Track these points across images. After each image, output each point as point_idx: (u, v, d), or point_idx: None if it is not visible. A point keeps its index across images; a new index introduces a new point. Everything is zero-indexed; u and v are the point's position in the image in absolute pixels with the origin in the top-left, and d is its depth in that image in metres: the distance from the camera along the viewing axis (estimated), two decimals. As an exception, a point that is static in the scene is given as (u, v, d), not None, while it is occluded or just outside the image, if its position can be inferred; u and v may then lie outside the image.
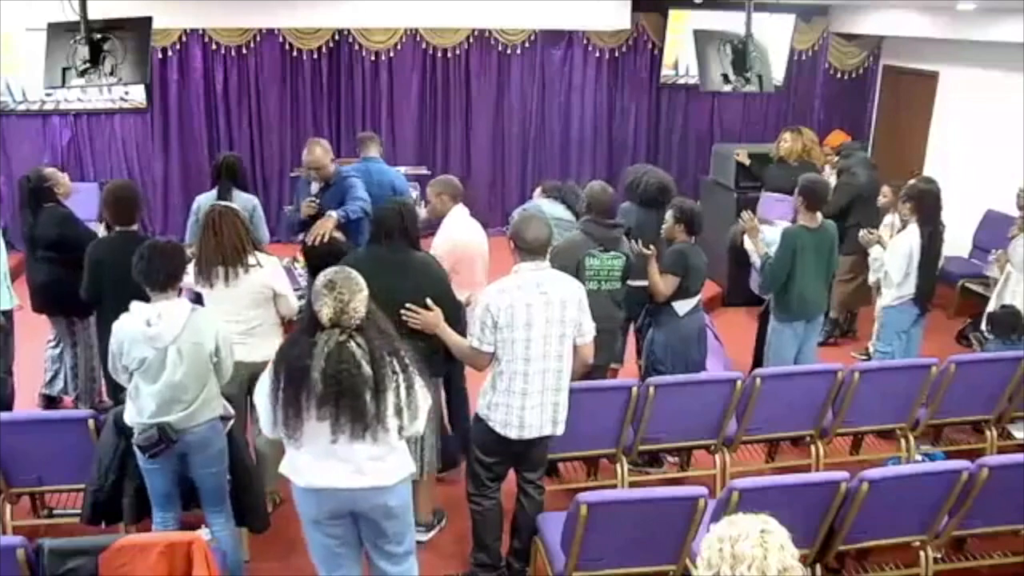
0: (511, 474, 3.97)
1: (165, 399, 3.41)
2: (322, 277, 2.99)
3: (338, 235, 5.04)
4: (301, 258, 6.90)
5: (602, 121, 9.75)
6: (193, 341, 3.43)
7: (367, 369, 2.93)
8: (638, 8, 9.08)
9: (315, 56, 9.03)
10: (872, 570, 4.06)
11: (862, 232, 5.77)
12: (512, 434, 3.69)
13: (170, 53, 8.70)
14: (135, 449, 3.50)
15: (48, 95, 8.36)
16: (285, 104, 9.11)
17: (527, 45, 9.39)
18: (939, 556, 4.07)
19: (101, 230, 5.16)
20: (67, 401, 5.44)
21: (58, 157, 8.60)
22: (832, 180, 6.86)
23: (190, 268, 4.05)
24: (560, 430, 3.80)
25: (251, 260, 4.10)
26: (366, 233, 5.32)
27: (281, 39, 8.91)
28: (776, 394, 4.54)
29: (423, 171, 8.62)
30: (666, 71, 9.56)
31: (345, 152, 8.50)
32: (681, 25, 8.95)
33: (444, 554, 4.28)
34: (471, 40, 9.26)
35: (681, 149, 9.98)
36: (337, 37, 9.01)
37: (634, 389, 4.32)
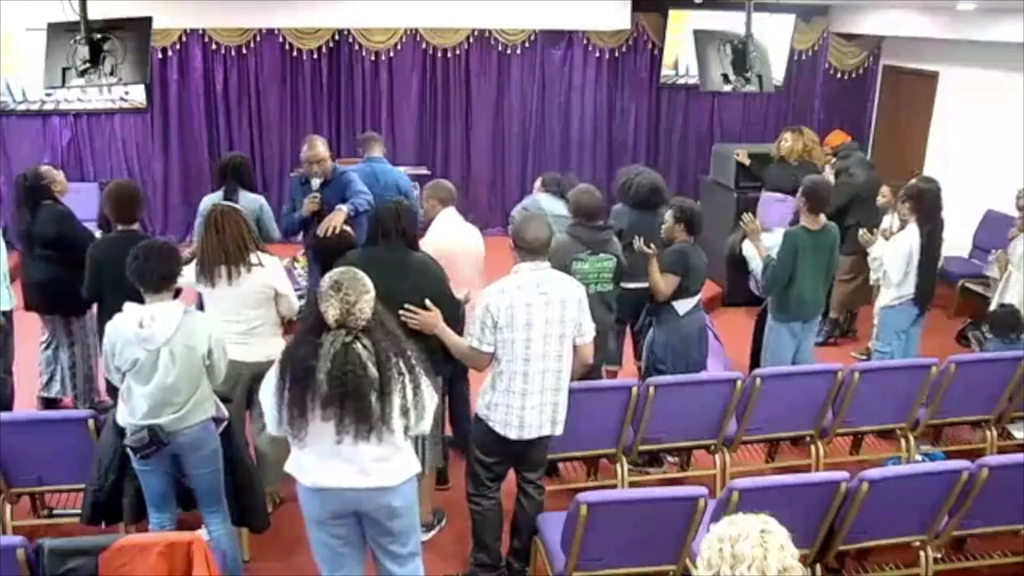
0: (511, 474, 3.97)
1: (157, 401, 3.40)
2: (328, 278, 2.98)
3: (347, 228, 5.07)
4: (301, 258, 6.93)
5: (602, 121, 9.75)
6: (186, 343, 3.41)
7: (373, 371, 2.92)
8: (638, 8, 9.08)
9: (315, 56, 9.03)
10: (872, 570, 4.06)
11: (861, 231, 5.77)
12: (512, 434, 3.69)
13: (170, 53, 8.70)
14: (127, 450, 3.50)
15: (48, 95, 8.35)
16: (285, 104, 9.11)
17: (527, 45, 9.39)
18: (939, 556, 4.07)
19: (97, 232, 5.17)
20: (67, 401, 5.44)
21: (58, 157, 8.60)
22: (830, 181, 6.86)
23: (190, 267, 4.05)
24: (559, 430, 3.80)
25: (253, 259, 4.10)
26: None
27: (281, 39, 8.91)
28: (776, 394, 4.54)
29: (423, 171, 8.61)
30: (666, 71, 9.55)
31: (345, 152, 8.51)
32: (681, 25, 8.95)
33: (444, 554, 4.28)
34: (471, 40, 9.26)
35: (681, 149, 9.98)
36: (337, 37, 9.01)
37: (634, 389, 4.32)
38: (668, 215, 4.89)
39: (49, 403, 5.43)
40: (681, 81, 9.61)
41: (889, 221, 6.03)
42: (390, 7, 8.45)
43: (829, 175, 6.93)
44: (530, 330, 3.57)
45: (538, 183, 6.02)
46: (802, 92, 9.97)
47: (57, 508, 4.38)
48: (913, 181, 5.61)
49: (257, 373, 4.21)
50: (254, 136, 9.12)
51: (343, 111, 9.23)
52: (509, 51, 9.36)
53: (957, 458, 4.14)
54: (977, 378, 4.87)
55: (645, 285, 5.27)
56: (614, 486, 4.45)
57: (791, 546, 1.85)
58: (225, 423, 3.67)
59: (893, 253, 5.39)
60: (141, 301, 3.45)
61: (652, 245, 4.85)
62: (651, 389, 4.33)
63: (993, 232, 7.29)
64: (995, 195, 7.50)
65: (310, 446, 3.02)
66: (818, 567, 3.80)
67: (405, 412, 3.01)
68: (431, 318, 3.75)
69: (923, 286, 5.40)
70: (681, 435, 4.60)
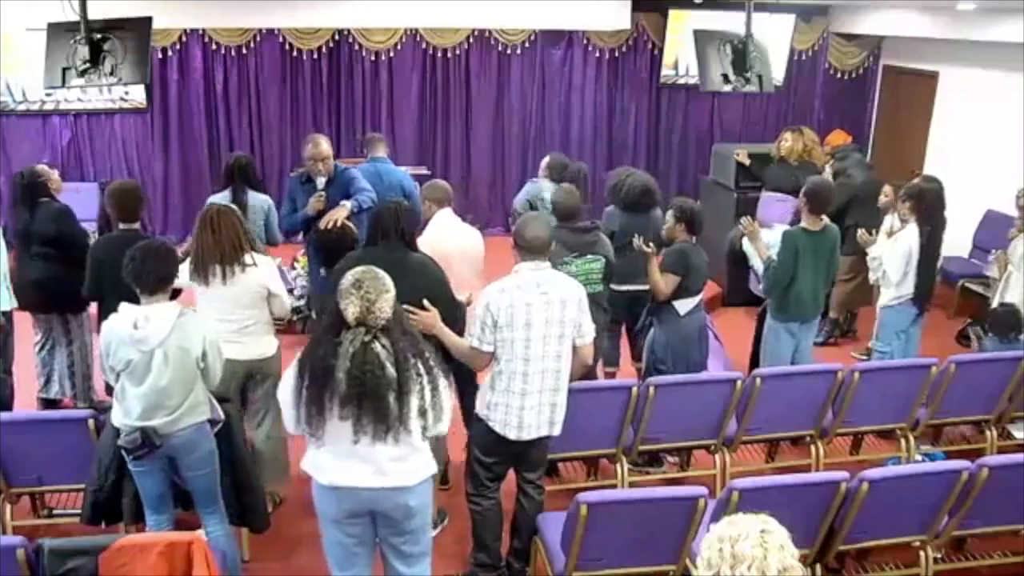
0: (511, 474, 3.97)
1: (151, 403, 3.39)
2: (350, 276, 2.98)
3: (348, 223, 5.09)
4: (302, 258, 6.93)
5: (602, 121, 9.75)
6: (180, 345, 3.40)
7: (391, 371, 2.93)
8: (638, 8, 9.08)
9: (315, 56, 9.03)
10: (872, 570, 4.06)
11: (860, 231, 5.77)
12: (511, 434, 3.69)
13: (170, 53, 8.71)
14: (121, 451, 3.50)
15: (48, 95, 8.36)
16: (285, 104, 9.12)
17: (527, 45, 9.39)
18: (939, 556, 4.07)
19: (93, 232, 5.16)
20: (67, 402, 5.44)
21: (58, 157, 8.61)
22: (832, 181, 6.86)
23: (183, 266, 4.05)
24: (557, 431, 3.80)
25: (247, 259, 4.09)
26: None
27: (281, 39, 8.92)
28: (776, 394, 4.54)
29: (423, 171, 8.61)
30: (666, 71, 9.56)
31: (345, 152, 8.51)
32: (681, 25, 8.95)
33: (444, 554, 4.28)
34: (471, 40, 9.26)
35: (681, 149, 9.98)
36: (337, 37, 9.01)
37: (634, 389, 4.32)
38: (669, 215, 4.89)
39: (49, 404, 5.42)
40: (681, 81, 9.61)
41: (890, 221, 6.03)
42: (390, 7, 8.45)
43: (827, 176, 6.93)
44: (530, 330, 3.57)
45: (544, 163, 5.99)
46: (802, 92, 9.97)
47: (57, 508, 4.38)
48: (915, 181, 5.61)
49: (250, 371, 4.23)
50: (254, 136, 9.12)
51: (343, 111, 9.24)
52: (509, 51, 9.36)
53: (957, 458, 4.14)
54: (977, 378, 4.86)
55: (639, 287, 5.29)
56: (614, 486, 4.45)
57: (791, 546, 1.85)
58: (221, 424, 3.66)
59: (892, 253, 5.39)
60: (139, 301, 3.45)
61: (652, 245, 4.85)
62: (651, 389, 4.32)
63: (993, 232, 7.29)
64: (995, 195, 7.50)
65: (328, 445, 3.02)
66: (818, 567, 3.80)
67: (423, 413, 3.01)
68: (429, 318, 3.75)
69: (922, 286, 5.40)
70: (681, 435, 4.60)
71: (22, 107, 8.52)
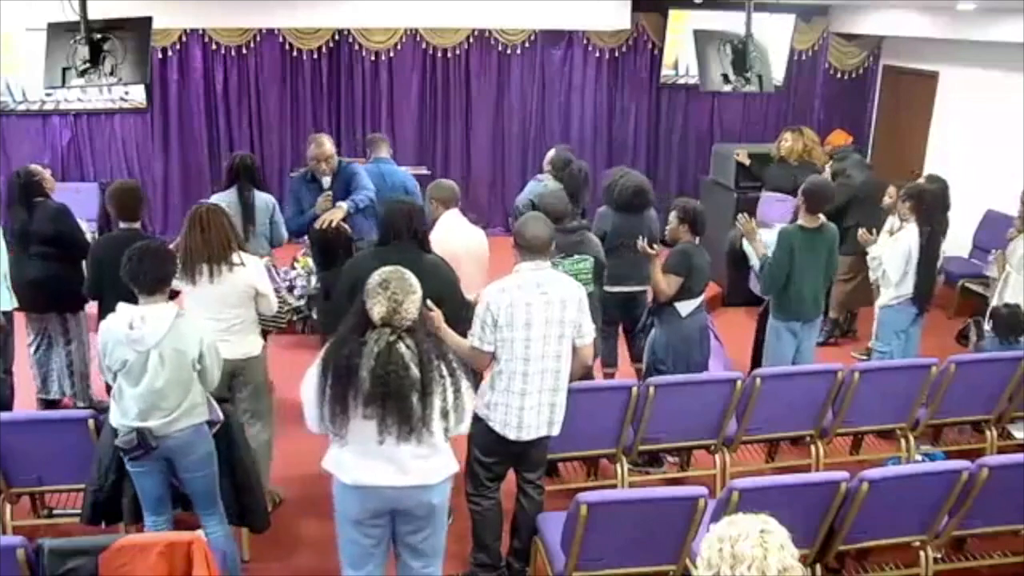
0: (511, 474, 3.97)
1: (147, 404, 3.39)
2: (377, 276, 2.99)
3: (344, 225, 5.11)
4: (302, 259, 6.93)
5: (602, 121, 9.75)
6: (175, 347, 3.40)
7: (415, 371, 2.94)
8: (638, 8, 9.08)
9: (315, 56, 9.03)
10: (872, 570, 4.06)
11: (860, 231, 5.77)
12: (511, 434, 3.69)
13: (170, 53, 8.70)
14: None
15: (48, 95, 8.34)
16: (285, 104, 9.11)
17: (527, 45, 9.38)
18: (939, 556, 4.06)
19: (89, 233, 5.16)
20: (67, 401, 5.44)
21: (58, 157, 8.61)
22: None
23: None
24: (556, 431, 3.80)
25: (235, 259, 4.09)
26: (367, 224, 5.35)
27: (281, 39, 8.91)
28: (776, 394, 4.54)
29: (423, 171, 8.61)
30: (666, 71, 9.55)
31: (346, 152, 8.48)
32: (681, 25, 8.94)
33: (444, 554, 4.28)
34: (471, 40, 9.25)
35: (681, 149, 9.97)
36: (337, 37, 9.01)
37: (634, 389, 4.32)
38: (672, 215, 4.88)
39: (49, 404, 5.41)
40: (681, 81, 9.61)
41: (893, 221, 6.03)
42: (390, 7, 8.45)
43: (828, 176, 6.93)
44: (529, 330, 3.57)
45: (548, 157, 5.96)
46: (802, 92, 9.97)
47: (57, 508, 4.37)
48: (920, 180, 5.60)
49: (234, 371, 4.20)
50: (254, 136, 9.12)
51: (343, 111, 9.23)
52: (509, 51, 9.36)
53: (957, 458, 4.15)
54: (977, 378, 4.86)
55: (632, 289, 5.28)
56: (614, 486, 4.45)
57: (791, 546, 1.85)
58: (219, 425, 3.66)
59: (892, 252, 5.39)
60: (138, 301, 3.45)
61: (654, 246, 4.84)
62: (651, 389, 4.32)
63: (993, 232, 7.29)
64: (995, 195, 7.50)
65: (351, 444, 3.02)
66: (818, 567, 3.80)
67: (445, 415, 3.02)
68: (435, 319, 3.74)
69: (922, 286, 5.40)
70: (681, 435, 4.59)
71: (22, 107, 8.51)
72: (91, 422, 3.87)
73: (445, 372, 3.00)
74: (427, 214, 4.95)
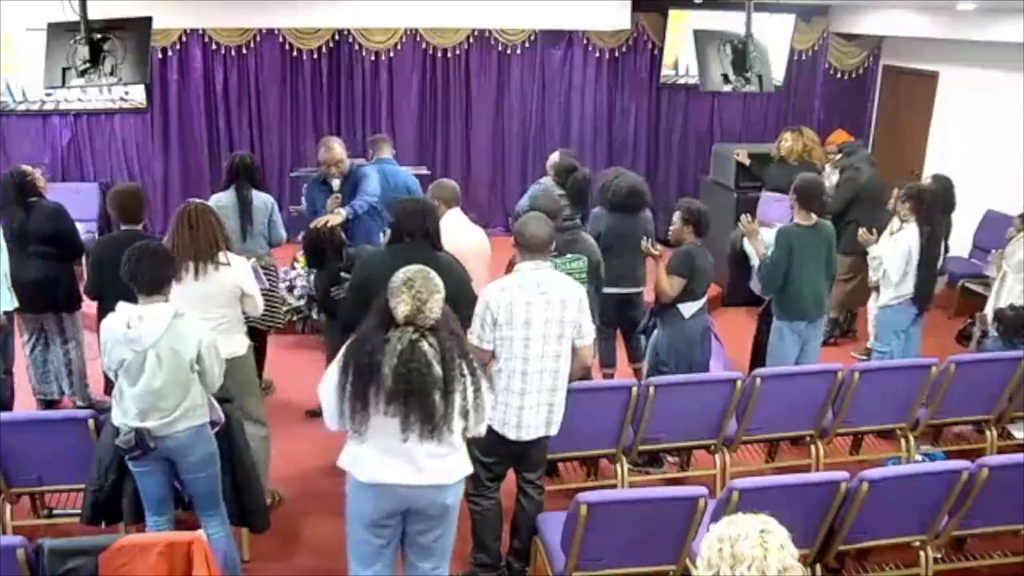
0: (511, 474, 3.97)
1: (146, 404, 3.39)
2: (401, 274, 3.00)
3: (338, 230, 5.12)
4: (302, 259, 6.93)
5: (602, 121, 9.74)
6: (172, 347, 3.39)
7: (437, 369, 2.94)
8: (638, 8, 9.07)
9: (315, 56, 9.03)
10: (872, 570, 4.06)
11: (861, 231, 5.77)
12: (510, 434, 3.70)
13: (170, 53, 8.70)
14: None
15: (48, 95, 8.34)
16: (285, 104, 9.11)
17: (527, 45, 9.38)
18: (939, 556, 4.06)
19: (85, 233, 5.15)
20: (66, 401, 5.44)
21: (58, 157, 8.61)
22: (834, 178, 6.86)
23: None
24: (554, 431, 3.80)
25: (222, 258, 4.08)
26: (362, 229, 5.35)
27: (281, 39, 8.91)
28: (776, 394, 4.54)
29: (423, 171, 8.60)
30: (666, 71, 9.54)
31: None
32: (681, 25, 8.94)
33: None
34: (471, 40, 9.25)
35: (681, 149, 9.97)
36: (337, 37, 9.01)
37: (634, 389, 4.31)
38: (676, 216, 4.88)
39: (48, 404, 5.42)
40: (681, 81, 9.60)
41: (894, 222, 6.02)
42: (390, 7, 8.45)
43: (831, 174, 6.94)
44: (529, 329, 3.57)
45: (551, 161, 5.95)
46: (802, 92, 9.96)
47: (57, 508, 4.37)
48: (927, 180, 5.59)
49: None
50: (254, 136, 9.11)
51: (343, 111, 9.23)
52: (509, 51, 9.36)
53: (957, 458, 4.15)
54: (977, 378, 4.86)
55: (629, 290, 5.27)
56: (614, 486, 4.45)
57: (791, 546, 1.85)
58: (220, 425, 3.66)
59: (892, 252, 5.39)
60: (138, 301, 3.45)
61: (659, 247, 4.84)
62: (651, 389, 4.32)
63: (993, 232, 7.29)
64: (995, 195, 7.50)
65: (370, 441, 3.02)
66: (818, 567, 3.80)
67: (465, 414, 3.03)
68: None
69: (922, 286, 5.40)
70: (681, 435, 4.59)
71: (22, 107, 8.51)
72: (91, 422, 3.87)
73: (466, 371, 3.01)
74: None
